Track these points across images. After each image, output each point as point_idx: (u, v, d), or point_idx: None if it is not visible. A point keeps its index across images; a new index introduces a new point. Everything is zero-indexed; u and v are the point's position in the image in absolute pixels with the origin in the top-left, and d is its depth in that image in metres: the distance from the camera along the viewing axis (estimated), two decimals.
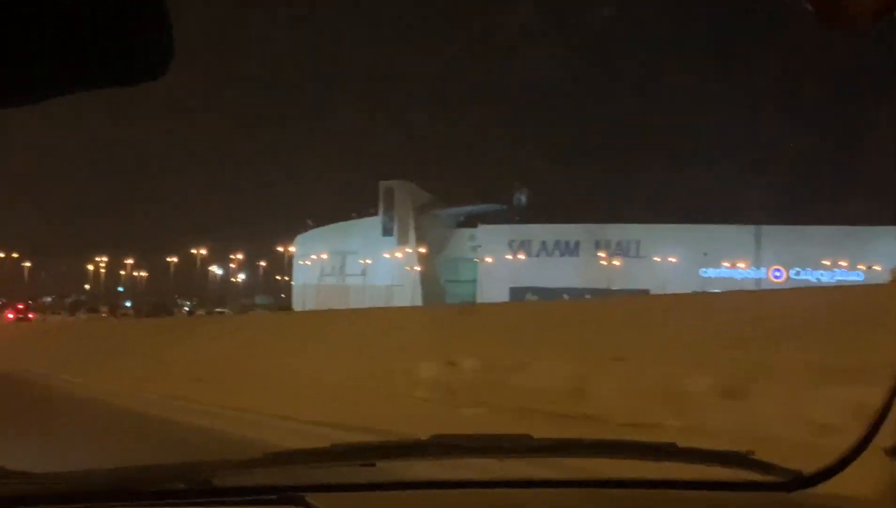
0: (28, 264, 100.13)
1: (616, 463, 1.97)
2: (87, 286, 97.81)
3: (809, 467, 1.89)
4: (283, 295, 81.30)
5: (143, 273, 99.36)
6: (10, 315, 64.21)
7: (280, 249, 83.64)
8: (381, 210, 71.22)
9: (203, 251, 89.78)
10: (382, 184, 71.34)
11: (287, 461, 1.98)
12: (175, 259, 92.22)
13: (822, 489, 1.88)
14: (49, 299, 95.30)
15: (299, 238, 78.87)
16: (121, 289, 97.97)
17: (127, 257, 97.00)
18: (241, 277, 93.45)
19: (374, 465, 1.95)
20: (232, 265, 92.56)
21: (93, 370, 17.94)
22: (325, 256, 74.37)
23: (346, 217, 74.88)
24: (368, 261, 70.57)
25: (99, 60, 1.34)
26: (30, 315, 64.06)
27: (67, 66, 1.33)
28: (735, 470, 1.91)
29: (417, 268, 68.35)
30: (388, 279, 65.02)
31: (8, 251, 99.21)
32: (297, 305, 68.86)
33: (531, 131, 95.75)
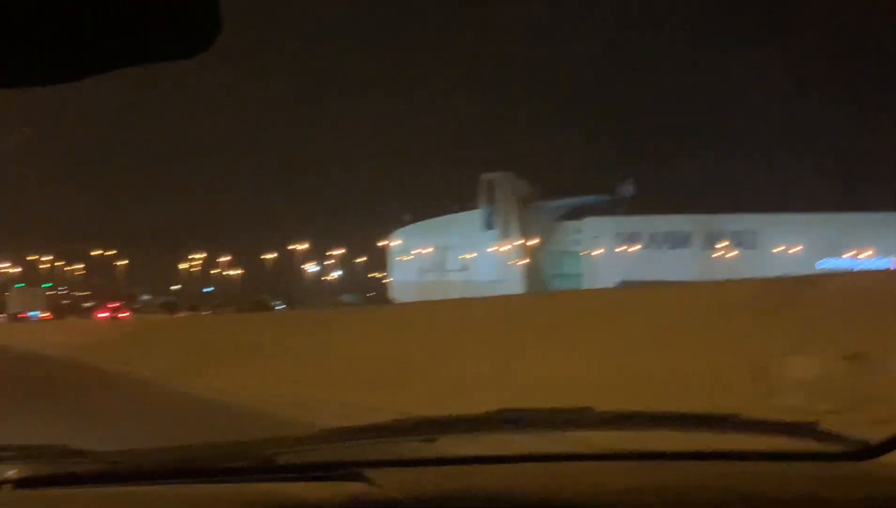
0: (123, 261, 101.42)
1: (679, 435, 1.95)
2: (174, 287, 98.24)
3: (877, 436, 1.86)
4: (372, 293, 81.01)
5: (235, 271, 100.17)
6: (102, 315, 65.16)
7: (377, 245, 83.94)
8: (482, 203, 71.46)
9: (301, 247, 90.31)
10: (484, 176, 71.47)
11: (348, 437, 2.02)
12: (273, 255, 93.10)
13: (893, 458, 1.84)
14: (146, 297, 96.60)
15: (396, 234, 79.29)
16: (209, 289, 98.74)
17: (223, 254, 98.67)
18: (336, 274, 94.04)
19: (435, 440, 1.97)
20: (330, 262, 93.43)
21: (237, 373, 16.06)
22: (424, 251, 74.69)
23: (445, 211, 75.10)
24: (470, 256, 70.84)
25: (146, 34, 1.39)
26: (120, 315, 64.60)
27: (115, 40, 1.38)
28: (801, 441, 1.88)
29: (521, 262, 68.36)
30: (490, 275, 64.99)
31: (104, 249, 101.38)
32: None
33: (636, 120, 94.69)
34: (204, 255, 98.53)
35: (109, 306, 70.87)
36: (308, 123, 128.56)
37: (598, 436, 1.99)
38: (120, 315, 65.01)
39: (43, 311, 79.06)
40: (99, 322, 53.52)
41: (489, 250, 69.12)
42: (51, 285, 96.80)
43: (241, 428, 10.05)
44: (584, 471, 1.98)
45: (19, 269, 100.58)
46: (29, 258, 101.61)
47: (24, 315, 74.13)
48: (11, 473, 1.76)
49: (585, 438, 2.05)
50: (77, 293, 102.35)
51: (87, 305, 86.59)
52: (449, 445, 2.01)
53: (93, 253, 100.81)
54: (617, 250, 66.01)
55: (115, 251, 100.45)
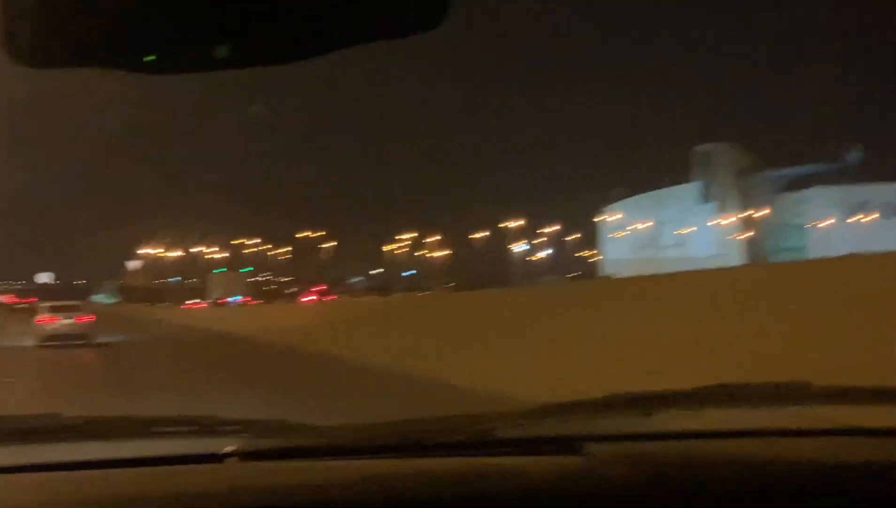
0: (331, 243, 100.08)
1: None
2: (374, 271, 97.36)
3: None
4: (576, 273, 78.77)
5: (440, 253, 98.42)
6: (308, 298, 64.74)
7: (590, 222, 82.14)
8: (697, 176, 69.63)
9: (513, 224, 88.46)
10: (699, 148, 69.52)
11: (564, 412, 2.09)
12: (482, 234, 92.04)
13: None
14: (359, 279, 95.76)
15: (608, 210, 77.99)
16: (410, 272, 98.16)
17: (433, 233, 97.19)
18: (544, 253, 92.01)
19: (651, 415, 2.01)
20: (540, 241, 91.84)
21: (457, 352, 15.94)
22: (637, 227, 73.52)
23: (659, 186, 73.24)
24: (686, 231, 68.99)
25: (375, 11, 1.46)
26: (325, 298, 64.38)
27: (343, 18, 1.46)
28: None
29: (741, 237, 66.19)
30: (708, 250, 63.11)
31: (313, 230, 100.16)
32: None
33: (863, 80, 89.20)
34: (413, 235, 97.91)
35: (314, 289, 71.99)
36: (521, 99, 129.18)
37: (816, 412, 2.01)
38: (326, 299, 65.16)
39: (243, 296, 79.22)
40: (310, 305, 53.26)
41: (707, 224, 67.42)
42: (251, 269, 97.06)
43: (459, 404, 10.28)
44: (801, 447, 1.98)
45: (225, 254, 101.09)
46: (234, 243, 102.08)
47: (223, 301, 74.06)
48: (234, 446, 1.87)
49: (803, 414, 2.07)
50: (281, 279, 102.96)
51: (291, 290, 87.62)
52: (665, 420, 2.05)
53: (299, 236, 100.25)
54: (847, 221, 63.06)
55: (322, 233, 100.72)
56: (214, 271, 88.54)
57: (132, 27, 1.41)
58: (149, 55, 1.44)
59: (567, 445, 1.87)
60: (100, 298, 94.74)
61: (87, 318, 28.67)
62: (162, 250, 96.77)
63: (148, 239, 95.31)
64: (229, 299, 75.56)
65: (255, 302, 70.52)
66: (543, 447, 1.90)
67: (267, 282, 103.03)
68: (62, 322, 27.82)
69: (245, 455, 1.85)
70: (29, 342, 27.39)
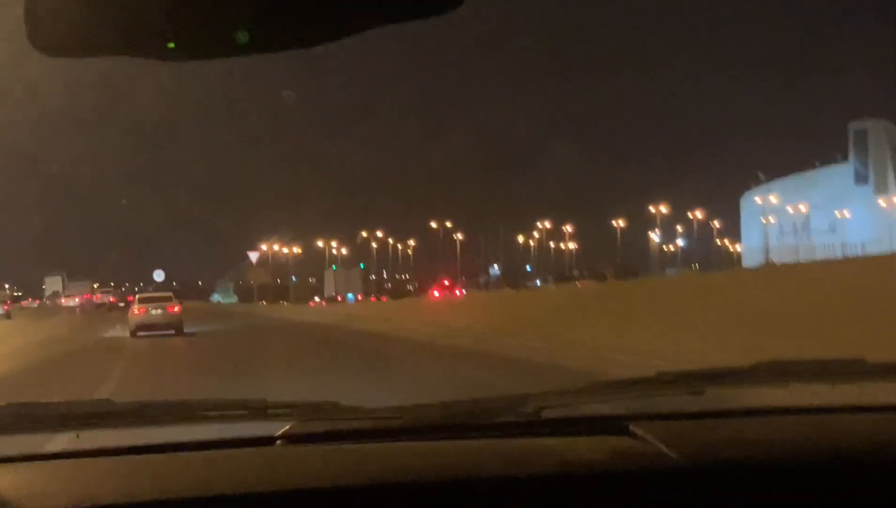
0: (460, 235, 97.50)
1: None
2: (494, 266, 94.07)
3: None
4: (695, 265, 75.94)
5: (571, 245, 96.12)
6: (436, 293, 62.83)
7: (726, 209, 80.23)
8: (852, 156, 67.51)
9: (661, 209, 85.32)
10: (853, 125, 67.13)
11: (612, 390, 2.12)
12: (621, 224, 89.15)
13: None
14: (493, 271, 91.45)
15: (749, 194, 76.23)
16: (528, 268, 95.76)
17: (568, 222, 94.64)
18: (679, 242, 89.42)
19: (702, 393, 2.02)
20: (680, 228, 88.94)
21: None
22: (786, 212, 71.41)
23: (806, 167, 71.31)
24: (839, 215, 66.87)
25: None
26: (457, 292, 62.53)
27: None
28: None
29: None
30: (864, 235, 61.02)
31: (440, 221, 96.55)
32: None
33: None
34: (547, 226, 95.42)
35: (442, 286, 68.82)
36: (659, 82, 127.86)
37: (868, 388, 1.99)
38: (459, 294, 62.75)
39: (359, 293, 77.48)
40: (455, 300, 50.26)
41: (863, 208, 65.20)
42: (363, 266, 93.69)
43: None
44: (855, 423, 1.95)
45: (344, 251, 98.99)
46: (358, 236, 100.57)
47: (340, 298, 72.75)
48: (285, 429, 1.96)
49: (855, 390, 2.05)
50: (399, 276, 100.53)
51: (409, 286, 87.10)
52: (716, 398, 2.06)
53: (432, 225, 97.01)
54: None
55: (449, 224, 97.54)
56: (333, 268, 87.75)
57: (152, 14, 1.49)
58: (169, 42, 1.50)
59: (616, 424, 1.90)
60: (218, 297, 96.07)
61: (176, 309, 31.31)
62: (283, 246, 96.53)
63: (268, 235, 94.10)
64: (347, 297, 74.97)
65: (374, 300, 69.62)
66: (592, 426, 1.94)
67: (388, 279, 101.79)
68: (152, 313, 30.80)
69: (296, 438, 1.93)
70: (123, 332, 30.72)
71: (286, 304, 72.59)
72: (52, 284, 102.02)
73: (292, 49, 1.56)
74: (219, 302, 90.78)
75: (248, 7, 1.50)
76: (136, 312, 31.36)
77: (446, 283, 73.15)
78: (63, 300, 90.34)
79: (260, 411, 2.01)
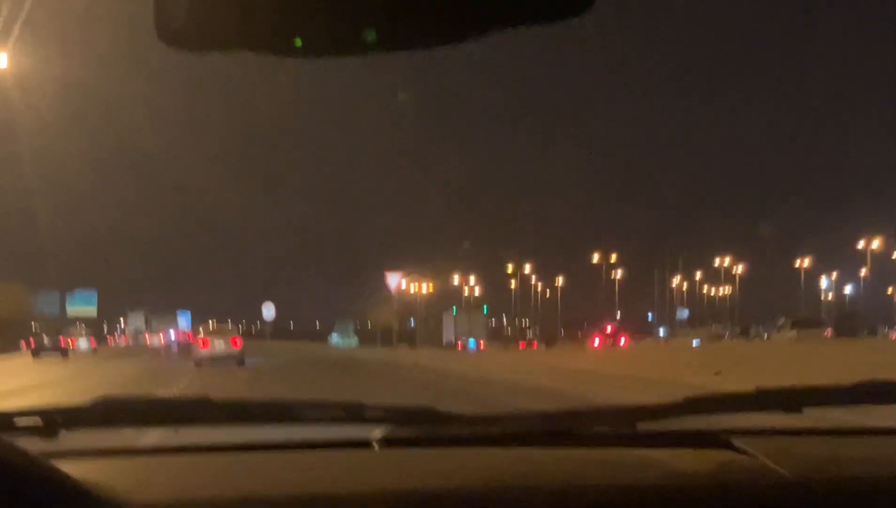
0: (618, 272, 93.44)
1: None
2: (684, 309, 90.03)
3: None
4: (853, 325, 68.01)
5: (721, 290, 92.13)
6: (597, 341, 61.59)
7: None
8: None
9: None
10: None
11: (708, 405, 2.18)
12: (805, 263, 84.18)
13: None
14: (681, 314, 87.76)
15: None
16: (684, 313, 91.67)
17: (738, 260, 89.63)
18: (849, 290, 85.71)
19: (801, 411, 2.08)
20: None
21: None
22: None
23: None
24: None
25: None
26: (621, 340, 60.70)
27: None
28: None
29: None
30: None
31: (605, 254, 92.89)
32: None
33: None
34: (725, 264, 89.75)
35: (604, 333, 64.64)
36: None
37: None
38: (623, 343, 60.30)
39: (481, 339, 75.13)
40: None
41: None
42: (487, 309, 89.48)
43: None
44: None
45: (477, 290, 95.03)
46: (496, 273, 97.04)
47: (460, 345, 71.37)
48: (381, 433, 2.06)
49: None
50: (521, 323, 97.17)
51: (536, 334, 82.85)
52: (816, 416, 2.10)
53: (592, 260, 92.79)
54: None
55: (614, 258, 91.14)
56: (453, 310, 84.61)
57: (281, 10, 1.59)
58: (296, 39, 1.61)
59: (717, 438, 1.99)
60: (336, 339, 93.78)
61: (238, 341, 36.63)
62: (410, 282, 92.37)
63: (421, 271, 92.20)
64: (468, 344, 71.83)
65: (523, 346, 66.75)
66: (692, 440, 2.02)
67: (514, 325, 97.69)
68: (216, 346, 36.19)
69: (393, 442, 2.03)
70: (191, 363, 35.24)
71: (409, 349, 68.65)
72: (135, 320, 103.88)
73: (417, 49, 1.64)
74: (337, 345, 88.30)
75: (376, 5, 1.59)
76: (202, 345, 36.58)
77: (609, 329, 68.69)
78: (148, 337, 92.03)
79: (357, 413, 2.08)
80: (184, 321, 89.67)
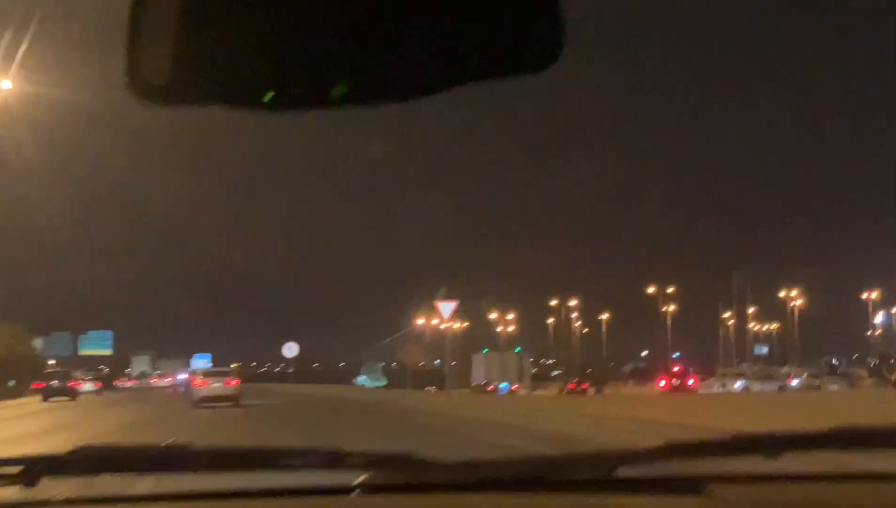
0: (670, 307, 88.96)
1: None
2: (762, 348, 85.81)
3: None
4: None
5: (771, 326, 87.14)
6: (663, 383, 58.56)
7: None
8: None
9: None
10: None
11: (689, 451, 2.24)
12: (874, 296, 79.35)
13: None
14: (759, 351, 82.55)
15: None
16: (761, 349, 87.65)
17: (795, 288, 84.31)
18: None
19: (778, 456, 2.14)
20: None
21: None
22: None
23: None
24: None
25: (486, 49, 1.67)
26: (690, 382, 57.32)
27: (455, 56, 1.69)
28: None
29: None
30: None
31: (660, 290, 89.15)
32: None
33: None
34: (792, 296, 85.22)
35: (671, 374, 61.43)
36: None
37: None
38: (690, 384, 56.66)
39: (515, 383, 71.05)
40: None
41: None
42: (520, 349, 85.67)
43: None
44: None
45: (511, 326, 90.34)
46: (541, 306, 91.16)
47: (491, 388, 67.86)
48: (363, 478, 2.13)
49: None
50: (544, 362, 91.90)
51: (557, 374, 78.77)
52: (792, 461, 2.17)
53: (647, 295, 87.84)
54: None
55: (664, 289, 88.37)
56: (484, 351, 79.58)
57: (250, 66, 1.68)
58: (266, 94, 1.69)
59: (691, 485, 2.06)
60: (364, 380, 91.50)
61: (235, 382, 37.63)
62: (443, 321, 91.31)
63: (427, 307, 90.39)
64: (500, 387, 68.54)
65: (573, 387, 63.68)
66: (669, 486, 2.09)
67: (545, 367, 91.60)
68: (213, 386, 37.32)
69: (373, 489, 2.11)
70: (188, 403, 36.26)
71: (437, 391, 65.88)
72: (140, 363, 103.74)
73: (389, 103, 1.72)
74: (364, 386, 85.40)
75: (346, 60, 1.67)
76: (198, 385, 37.94)
77: (676, 370, 63.33)
78: (155, 380, 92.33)
79: (337, 460, 2.15)
80: (202, 363, 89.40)
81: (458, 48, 1.68)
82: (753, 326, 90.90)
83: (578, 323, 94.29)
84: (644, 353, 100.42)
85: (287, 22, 1.65)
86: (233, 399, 36.25)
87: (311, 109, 1.75)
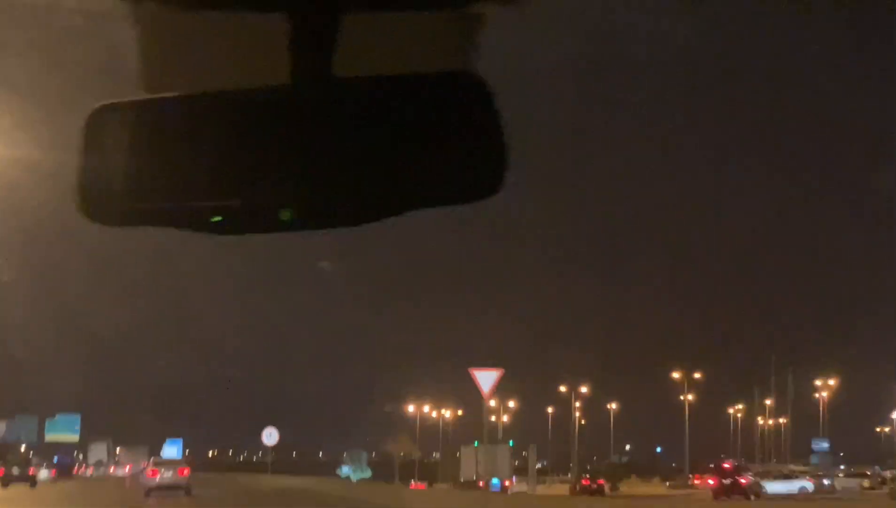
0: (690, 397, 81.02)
1: None
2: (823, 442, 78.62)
3: None
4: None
5: (781, 420, 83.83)
6: (711, 482, 51.06)
7: None
8: None
9: None
10: None
11: None
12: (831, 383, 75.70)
13: None
14: (817, 447, 74.07)
15: None
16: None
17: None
18: None
19: None
20: None
21: None
22: None
23: None
24: None
25: (434, 178, 1.80)
26: (743, 482, 49.25)
27: (402, 184, 1.80)
28: None
29: None
30: None
31: (685, 372, 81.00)
32: None
33: None
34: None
35: (721, 471, 51.80)
36: None
37: None
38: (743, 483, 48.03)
39: (507, 478, 64.20)
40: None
41: None
42: (513, 443, 74.47)
43: None
44: None
45: (505, 417, 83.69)
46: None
47: (482, 484, 59.51)
48: None
49: None
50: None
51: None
52: None
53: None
54: None
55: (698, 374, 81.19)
56: (475, 444, 70.41)
57: (198, 190, 1.77)
58: (214, 217, 1.79)
59: None
60: (348, 471, 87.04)
61: (185, 471, 40.45)
62: (434, 409, 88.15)
63: (419, 393, 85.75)
64: (491, 483, 59.59)
65: (587, 483, 58.94)
66: None
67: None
68: (165, 476, 40.32)
69: None
70: (140, 491, 39.65)
71: (429, 486, 62.77)
72: (97, 451, 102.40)
73: (334, 228, 1.82)
74: (348, 477, 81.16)
75: (292, 187, 1.75)
76: (150, 474, 40.23)
77: (726, 467, 54.08)
78: (113, 469, 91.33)
79: None
80: (173, 450, 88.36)
81: (404, 176, 1.77)
82: (765, 420, 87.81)
83: (578, 413, 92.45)
84: (627, 447, 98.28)
85: (235, 149, 1.74)
86: (184, 489, 39.05)
87: (260, 232, 1.85)
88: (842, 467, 73.22)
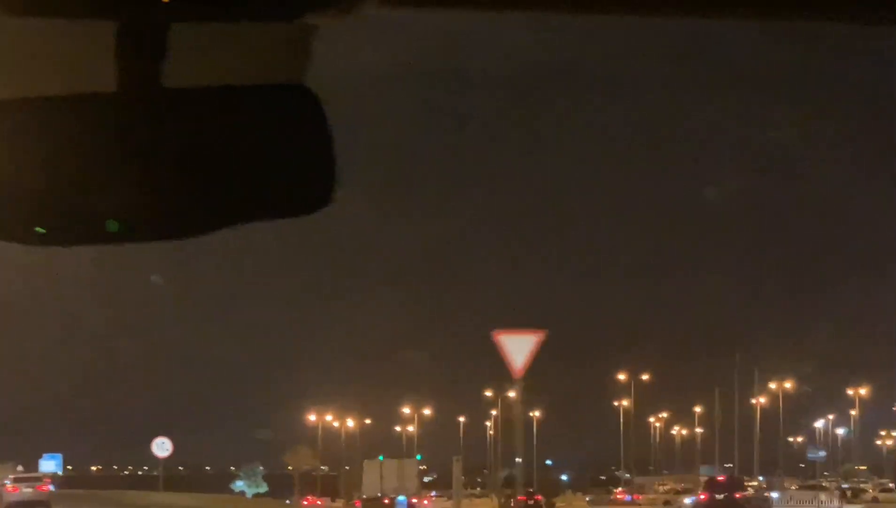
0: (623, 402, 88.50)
1: None
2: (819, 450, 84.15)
3: None
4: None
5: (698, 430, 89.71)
6: (702, 497, 51.56)
7: None
8: None
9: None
10: None
11: None
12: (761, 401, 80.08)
13: None
14: (813, 455, 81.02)
15: None
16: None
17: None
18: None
19: None
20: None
21: None
22: None
23: None
24: None
25: (260, 191, 1.85)
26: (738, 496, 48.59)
27: (228, 197, 1.85)
28: None
29: None
30: None
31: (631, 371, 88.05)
32: None
33: None
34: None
35: (716, 484, 50.47)
36: None
37: None
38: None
39: (413, 495, 66.61)
40: None
41: None
42: (420, 457, 79.78)
43: None
44: None
45: (411, 427, 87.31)
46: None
47: (387, 501, 63.64)
48: None
49: None
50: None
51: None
52: None
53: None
54: None
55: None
56: (380, 458, 72.50)
57: (20, 199, 1.79)
58: (37, 227, 1.81)
59: None
60: (242, 486, 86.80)
61: (46, 487, 43.81)
62: (338, 419, 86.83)
63: (322, 403, 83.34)
64: (397, 500, 63.51)
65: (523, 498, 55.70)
66: None
67: None
68: (24, 491, 43.46)
69: None
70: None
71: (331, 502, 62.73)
72: None
73: (163, 240, 1.84)
74: (243, 493, 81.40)
75: (119, 197, 1.79)
76: (10, 490, 43.85)
77: (720, 480, 54.33)
78: None
79: None
80: (50, 464, 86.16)
81: (233, 189, 1.82)
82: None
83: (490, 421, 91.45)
84: (518, 459, 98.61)
85: (59, 157, 1.77)
86: (43, 505, 41.91)
87: (86, 243, 1.87)
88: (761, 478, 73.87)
